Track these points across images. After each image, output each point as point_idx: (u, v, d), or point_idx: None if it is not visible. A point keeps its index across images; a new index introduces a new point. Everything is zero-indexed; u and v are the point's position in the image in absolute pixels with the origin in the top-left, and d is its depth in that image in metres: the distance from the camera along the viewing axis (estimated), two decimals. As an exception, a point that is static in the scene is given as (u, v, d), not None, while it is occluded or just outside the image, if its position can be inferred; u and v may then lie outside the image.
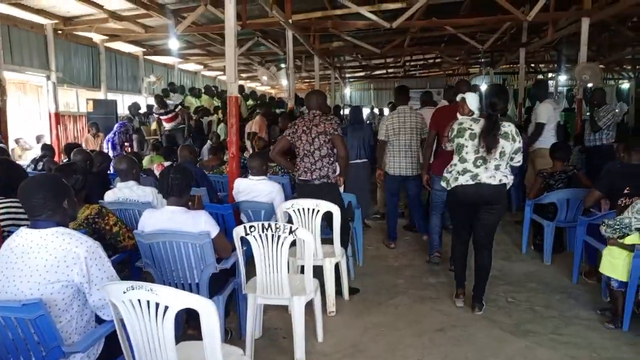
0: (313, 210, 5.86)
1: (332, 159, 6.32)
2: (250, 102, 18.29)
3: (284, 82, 15.39)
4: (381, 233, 9.38)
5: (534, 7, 12.62)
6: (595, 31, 17.19)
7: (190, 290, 4.75)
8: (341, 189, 6.49)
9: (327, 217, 5.95)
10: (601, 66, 20.99)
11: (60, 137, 15.27)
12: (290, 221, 5.85)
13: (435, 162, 7.46)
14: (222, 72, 25.34)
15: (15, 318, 3.39)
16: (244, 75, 26.29)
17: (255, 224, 4.79)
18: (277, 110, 16.59)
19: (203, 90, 19.00)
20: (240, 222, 6.27)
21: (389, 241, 8.66)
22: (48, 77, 14.98)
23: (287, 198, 6.72)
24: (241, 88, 18.96)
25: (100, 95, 17.47)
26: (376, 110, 26.53)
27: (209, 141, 13.39)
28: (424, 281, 7.08)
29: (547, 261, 7.79)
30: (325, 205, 5.82)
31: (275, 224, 4.76)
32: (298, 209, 5.88)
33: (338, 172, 6.36)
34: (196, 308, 3.17)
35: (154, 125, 16.23)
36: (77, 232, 3.60)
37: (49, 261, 3.45)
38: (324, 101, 6.45)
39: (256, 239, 4.83)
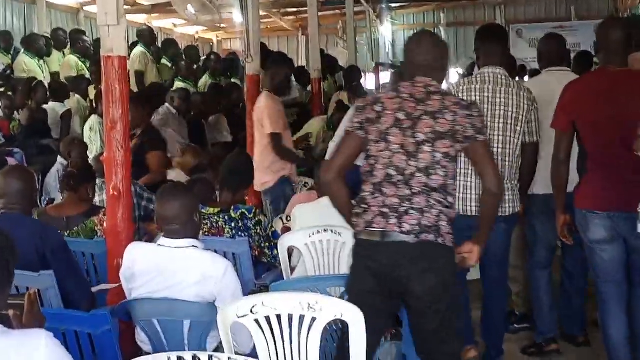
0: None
1: (450, 194, 3.62)
2: (165, 62, 11.89)
3: (236, 15, 9.34)
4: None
5: None
6: None
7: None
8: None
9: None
10: None
11: None
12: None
13: (584, 186, 4.41)
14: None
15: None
16: (144, 2, 14.73)
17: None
18: (221, 81, 11.24)
19: (52, 43, 11.13)
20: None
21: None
22: None
23: (245, 288, 4.06)
24: (147, 33, 11.89)
25: None
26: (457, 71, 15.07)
27: (59, 158, 7.48)
28: None
29: None
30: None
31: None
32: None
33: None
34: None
35: None
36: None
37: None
38: (444, 55, 3.76)
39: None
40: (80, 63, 10.72)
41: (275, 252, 4.84)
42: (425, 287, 3.49)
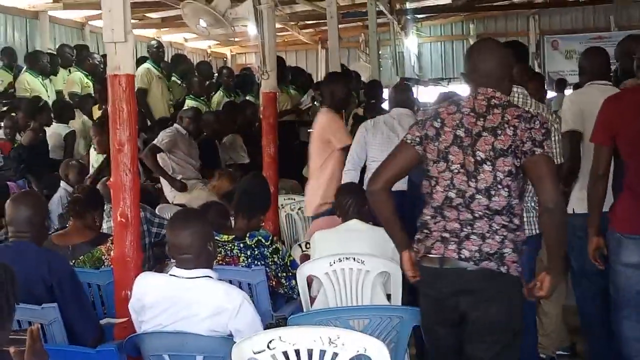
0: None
1: (516, 215, 3.56)
2: (174, 79, 11.85)
3: (251, 28, 8.42)
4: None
5: None
6: None
7: None
8: None
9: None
10: None
11: None
12: None
13: (620, 207, 4.37)
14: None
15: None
16: (153, 15, 15.13)
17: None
18: (235, 98, 11.37)
19: (58, 60, 11.18)
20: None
21: None
22: None
23: (262, 321, 3.92)
24: (155, 49, 11.64)
25: None
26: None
27: (62, 184, 7.77)
28: None
29: None
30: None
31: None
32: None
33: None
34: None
35: None
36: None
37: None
38: (509, 63, 3.77)
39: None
40: (85, 80, 10.72)
41: (293, 282, 4.81)
42: (482, 317, 3.49)
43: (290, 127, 9.94)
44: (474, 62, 3.67)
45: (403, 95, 6.75)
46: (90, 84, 10.60)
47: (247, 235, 4.83)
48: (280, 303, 4.96)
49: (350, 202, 5.11)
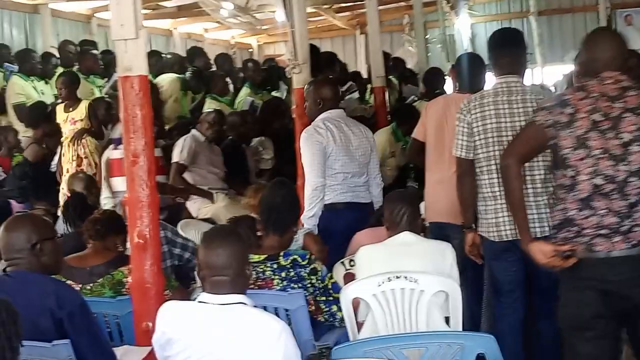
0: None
1: None
2: (167, 75, 11.48)
3: (278, 14, 8.70)
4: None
5: None
6: None
7: None
8: None
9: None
10: None
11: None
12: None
13: None
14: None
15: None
16: (168, 4, 14.82)
17: None
18: (263, 95, 11.49)
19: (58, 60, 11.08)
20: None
21: None
22: None
23: (302, 352, 3.99)
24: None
25: None
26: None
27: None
28: None
29: None
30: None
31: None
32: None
33: None
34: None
35: None
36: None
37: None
38: (625, 49, 4.22)
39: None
40: (91, 86, 10.70)
41: (334, 308, 4.79)
42: None
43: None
44: (591, 50, 4.08)
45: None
46: (96, 90, 10.62)
47: (281, 254, 4.83)
48: (323, 330, 4.97)
49: (403, 212, 5.07)
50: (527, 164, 4.61)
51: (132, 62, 4.45)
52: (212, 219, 7.54)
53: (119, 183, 7.77)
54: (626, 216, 3.83)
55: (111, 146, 8.24)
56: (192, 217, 7.88)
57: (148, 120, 4.50)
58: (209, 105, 10.38)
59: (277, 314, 4.48)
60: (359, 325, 4.76)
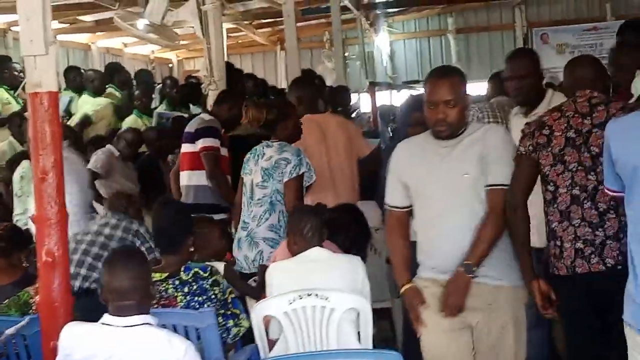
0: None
1: None
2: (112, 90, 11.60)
3: (195, 26, 8.24)
4: None
5: None
6: None
7: None
8: None
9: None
10: None
11: None
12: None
13: None
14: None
15: None
16: (87, 18, 14.84)
17: None
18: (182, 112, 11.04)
19: None
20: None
21: None
22: None
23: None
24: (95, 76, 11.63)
25: None
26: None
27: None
28: None
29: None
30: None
31: None
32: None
33: None
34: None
35: None
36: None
37: None
38: (604, 69, 4.71)
39: None
40: (6, 95, 10.60)
41: (230, 323, 4.75)
42: None
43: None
44: (569, 70, 4.52)
45: None
46: (12, 100, 10.46)
47: (182, 269, 4.76)
48: (238, 346, 4.96)
49: (309, 227, 5.03)
50: None
51: (41, 78, 4.37)
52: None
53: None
54: (598, 225, 4.12)
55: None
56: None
57: (57, 136, 4.42)
58: (130, 122, 10.33)
59: (187, 333, 4.45)
60: (272, 343, 4.74)
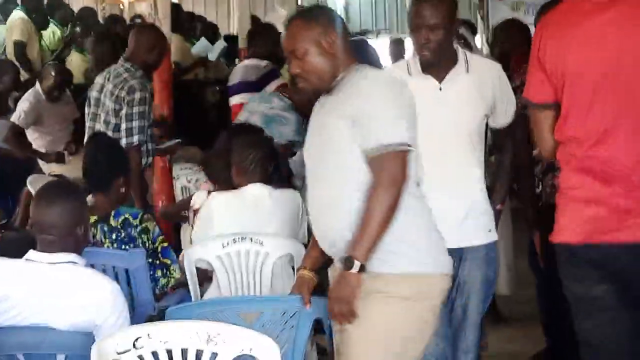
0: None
1: None
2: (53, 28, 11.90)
3: None
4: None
5: None
6: None
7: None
8: None
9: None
10: None
11: None
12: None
13: None
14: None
15: None
16: None
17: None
18: None
19: None
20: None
21: None
22: None
23: (142, 313, 4.56)
24: None
25: None
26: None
27: None
28: None
29: None
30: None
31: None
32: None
33: None
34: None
35: None
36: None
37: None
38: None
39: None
40: None
41: (158, 273, 4.78)
42: None
43: (198, 86, 10.13)
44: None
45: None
46: None
47: (112, 214, 4.76)
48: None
49: (253, 158, 4.89)
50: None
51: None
52: (63, 176, 7.48)
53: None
54: None
55: None
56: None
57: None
58: (73, 58, 10.63)
59: (116, 274, 4.51)
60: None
